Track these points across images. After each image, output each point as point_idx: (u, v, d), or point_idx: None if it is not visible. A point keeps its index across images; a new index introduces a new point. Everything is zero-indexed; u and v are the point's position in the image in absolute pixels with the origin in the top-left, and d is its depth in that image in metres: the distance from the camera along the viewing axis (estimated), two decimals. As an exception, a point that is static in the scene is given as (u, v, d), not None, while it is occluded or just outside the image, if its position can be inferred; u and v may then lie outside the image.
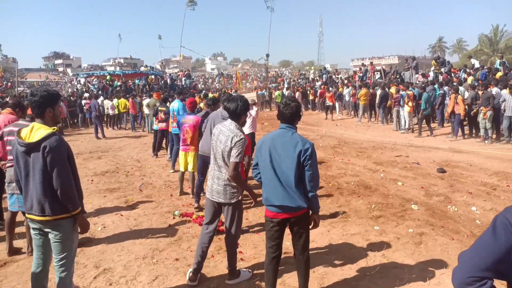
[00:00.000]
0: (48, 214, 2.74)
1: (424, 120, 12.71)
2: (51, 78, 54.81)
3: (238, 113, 3.54)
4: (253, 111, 7.95)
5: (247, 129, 7.82)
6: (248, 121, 7.60)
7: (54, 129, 2.79)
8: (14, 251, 4.34)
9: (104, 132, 14.50)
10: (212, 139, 3.64)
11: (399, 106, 13.67)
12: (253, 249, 4.41)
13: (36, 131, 2.74)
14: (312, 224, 3.14)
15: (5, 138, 4.23)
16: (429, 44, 66.94)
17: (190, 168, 6.28)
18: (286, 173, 2.98)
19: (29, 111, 4.28)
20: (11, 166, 4.04)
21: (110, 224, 5.30)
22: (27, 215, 2.88)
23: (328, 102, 18.50)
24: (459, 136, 11.70)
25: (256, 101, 8.23)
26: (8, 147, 4.18)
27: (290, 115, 3.09)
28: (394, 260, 4.08)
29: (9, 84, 27.92)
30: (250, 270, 3.89)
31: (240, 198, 3.64)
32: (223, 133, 3.50)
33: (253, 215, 5.54)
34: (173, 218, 5.49)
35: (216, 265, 4.06)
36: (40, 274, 2.97)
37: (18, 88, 25.69)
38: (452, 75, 17.64)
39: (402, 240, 4.58)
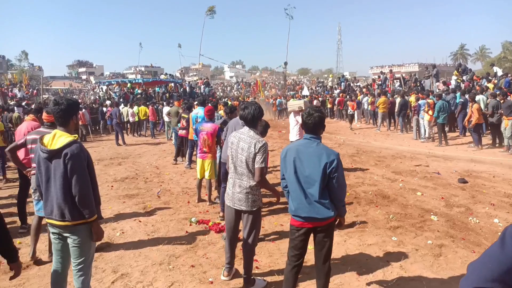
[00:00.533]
0: (67, 219, 2.82)
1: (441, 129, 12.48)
2: (74, 85, 56.42)
3: (254, 119, 3.61)
4: (300, 118, 7.99)
5: (294, 136, 7.90)
6: (296, 128, 7.71)
7: (75, 136, 2.88)
8: (36, 259, 4.40)
9: (124, 139, 14.78)
10: (230, 147, 3.68)
11: (417, 115, 13.46)
12: (268, 258, 4.41)
13: (58, 138, 2.83)
14: (336, 224, 3.20)
15: (28, 146, 4.31)
16: (450, 52, 65.79)
17: (207, 175, 6.33)
18: (311, 185, 2.98)
19: (45, 118, 4.37)
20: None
21: (129, 229, 5.39)
22: (47, 220, 2.96)
23: (351, 111, 18.36)
24: (481, 145, 11.41)
25: (303, 108, 8.24)
26: (32, 155, 4.26)
27: (313, 126, 3.09)
28: (412, 272, 4.00)
29: (35, 91, 28.83)
30: (265, 279, 3.88)
31: (260, 205, 3.70)
32: (244, 140, 3.54)
33: (269, 223, 5.54)
34: (190, 225, 5.54)
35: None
36: (59, 278, 3.06)
37: (43, 96, 26.52)
38: (474, 83, 17.25)
39: (420, 251, 4.49)
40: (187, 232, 5.27)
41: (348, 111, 18.69)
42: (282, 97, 26.80)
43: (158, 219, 5.83)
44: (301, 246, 3.17)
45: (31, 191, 4.41)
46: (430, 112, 12.69)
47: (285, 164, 3.15)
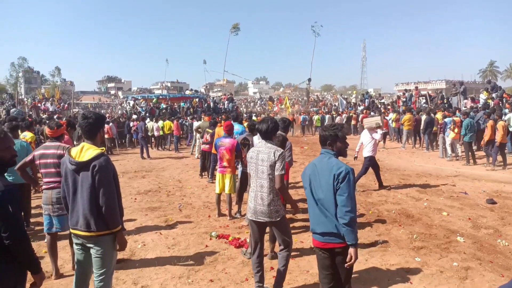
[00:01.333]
0: (93, 230, 2.89)
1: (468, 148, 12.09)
2: (103, 100, 58.26)
3: (268, 132, 3.75)
4: (377, 135, 8.04)
5: (367, 152, 7.92)
6: (370, 144, 7.77)
7: (102, 149, 2.98)
8: (60, 275, 4.33)
9: (149, 153, 15.09)
10: (250, 162, 3.77)
11: (444, 132, 13.15)
12: (288, 274, 4.33)
13: (86, 151, 2.93)
14: (347, 259, 2.88)
15: (37, 162, 4.22)
16: (479, 69, 64.15)
17: (226, 190, 6.40)
18: (324, 199, 2.94)
19: (48, 133, 4.35)
20: (47, 188, 4.16)
21: (150, 242, 5.47)
22: (71, 231, 3.04)
23: (384, 129, 18.09)
24: (497, 163, 10.97)
25: (380, 124, 8.31)
26: (42, 170, 4.21)
27: (323, 139, 3.11)
28: (436, 294, 3.87)
29: (66, 105, 29.96)
30: None
31: (284, 214, 3.76)
32: (263, 152, 3.67)
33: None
34: (210, 239, 5.57)
35: (250, 289, 4.05)
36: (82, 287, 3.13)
37: (73, 110, 27.51)
38: (504, 100, 16.76)
39: (445, 274, 4.34)
40: (207, 246, 5.30)
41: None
42: (305, 113, 26.72)
43: (179, 232, 5.89)
44: (329, 265, 3.02)
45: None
46: (456, 130, 12.36)
47: (303, 180, 3.17)
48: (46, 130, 4.42)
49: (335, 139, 3.07)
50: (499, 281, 4.13)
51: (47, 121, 5.22)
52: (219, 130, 8.85)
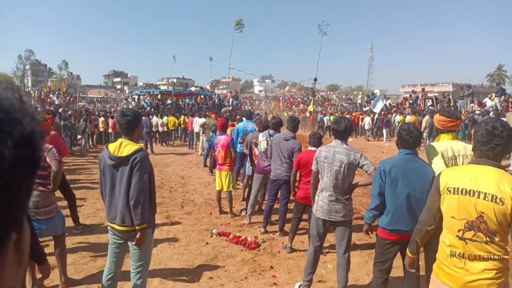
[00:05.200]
0: (127, 225, 2.95)
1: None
2: (109, 94, 58.49)
3: (346, 133, 3.79)
4: None
5: None
6: None
7: (141, 145, 3.03)
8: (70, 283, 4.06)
9: (153, 148, 15.13)
10: (324, 161, 3.75)
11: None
12: (287, 274, 4.36)
13: (124, 146, 2.97)
14: None
15: None
16: (487, 73, 63.57)
17: (225, 188, 6.38)
18: (419, 199, 3.02)
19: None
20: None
21: (151, 237, 5.48)
22: (109, 224, 3.09)
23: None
24: None
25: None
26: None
27: (413, 142, 3.19)
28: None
29: (72, 99, 30.10)
30: None
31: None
32: (340, 153, 3.69)
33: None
34: (211, 236, 5.58)
35: None
36: (111, 281, 3.19)
37: (79, 103, 27.66)
38: (509, 104, 16.66)
39: (446, 278, 4.31)
40: (207, 243, 5.31)
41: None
42: (321, 113, 25.50)
43: (180, 228, 5.91)
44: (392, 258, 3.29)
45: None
46: None
47: (391, 179, 3.13)
48: None
49: (419, 141, 3.25)
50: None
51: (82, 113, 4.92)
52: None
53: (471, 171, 2.17)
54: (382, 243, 3.27)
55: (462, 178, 2.16)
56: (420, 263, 4.64)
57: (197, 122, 15.04)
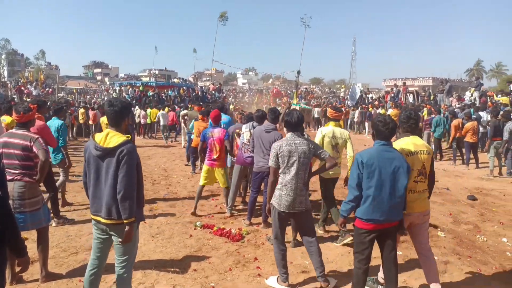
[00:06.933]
0: (113, 218, 2.86)
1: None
2: (89, 86, 57.16)
3: (299, 124, 3.90)
4: None
5: None
6: None
7: (128, 137, 2.94)
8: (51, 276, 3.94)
9: (135, 141, 14.92)
10: (290, 155, 3.74)
11: (429, 129, 13.33)
12: (271, 266, 4.38)
13: (111, 137, 2.88)
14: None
15: (0, 151, 3.73)
16: (466, 68, 64.92)
17: (223, 184, 6.16)
18: (399, 188, 3.23)
19: (15, 118, 3.90)
20: (9, 180, 3.59)
21: (134, 230, 5.42)
22: (93, 217, 2.99)
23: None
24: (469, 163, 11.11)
25: None
26: (5, 160, 3.66)
27: (393, 133, 3.34)
28: (416, 287, 3.94)
29: (50, 90, 29.29)
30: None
31: None
32: (302, 144, 3.78)
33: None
34: (195, 229, 5.56)
35: (234, 279, 4.06)
36: (94, 276, 3.12)
37: (58, 94, 26.96)
38: (488, 99, 17.08)
39: (425, 267, 4.42)
40: (191, 235, 5.29)
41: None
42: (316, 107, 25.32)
43: (163, 221, 5.86)
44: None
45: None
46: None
47: (368, 170, 3.20)
48: (14, 115, 3.95)
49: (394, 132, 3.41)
50: (477, 276, 4.24)
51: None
52: (200, 123, 8.67)
53: (409, 141, 3.53)
54: (359, 233, 3.33)
55: (410, 146, 3.48)
56: (399, 252, 4.76)
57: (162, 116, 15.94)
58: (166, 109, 17.77)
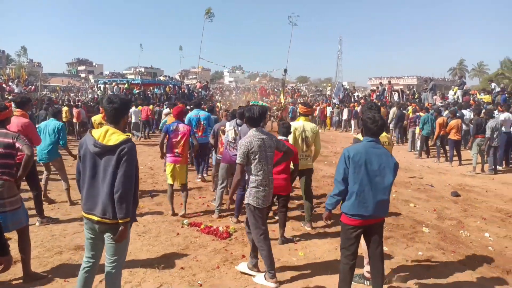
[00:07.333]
0: (108, 217, 2.79)
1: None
2: (73, 83, 56.15)
3: (260, 118, 3.96)
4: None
5: None
6: None
7: (128, 135, 2.88)
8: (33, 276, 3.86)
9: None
10: (258, 151, 3.79)
11: (414, 127, 13.53)
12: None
13: (111, 135, 2.81)
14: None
15: None
16: (450, 67, 65.93)
17: (182, 180, 6.04)
18: (384, 184, 3.25)
19: None
20: None
21: (120, 229, 5.35)
22: (86, 215, 2.90)
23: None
24: (452, 160, 11.31)
25: None
26: None
27: (381, 129, 3.38)
28: (401, 283, 4.00)
29: (33, 87, 28.70)
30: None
31: None
32: (268, 139, 3.89)
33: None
34: (182, 227, 5.52)
35: (222, 277, 4.05)
36: (88, 274, 3.05)
37: (41, 92, 26.42)
38: (471, 97, 17.42)
39: (411, 262, 4.50)
40: (178, 234, 5.25)
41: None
42: (294, 105, 25.70)
43: (150, 219, 5.81)
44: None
45: None
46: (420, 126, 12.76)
47: (355, 165, 3.22)
48: None
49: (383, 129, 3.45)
50: (460, 270, 4.32)
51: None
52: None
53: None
54: (346, 229, 3.36)
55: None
56: (385, 248, 4.82)
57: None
58: (139, 107, 17.49)
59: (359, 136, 3.75)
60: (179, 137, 5.93)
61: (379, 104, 19.43)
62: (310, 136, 5.55)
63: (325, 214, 3.50)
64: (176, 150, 5.93)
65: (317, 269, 4.23)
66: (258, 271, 4.03)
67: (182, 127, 6.01)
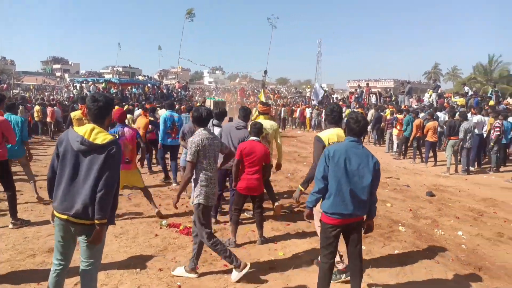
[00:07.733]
0: (85, 218, 2.71)
1: (409, 144, 12.84)
2: (48, 82, 54.60)
3: (207, 118, 4.05)
4: None
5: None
6: None
7: (115, 136, 2.84)
8: None
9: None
10: (208, 150, 3.87)
11: (392, 128, 13.81)
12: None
13: (97, 133, 2.73)
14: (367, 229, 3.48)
15: None
16: (425, 71, 67.64)
17: (140, 184, 5.94)
18: (362, 183, 3.26)
19: None
20: None
21: (96, 231, 5.23)
22: (60, 216, 2.77)
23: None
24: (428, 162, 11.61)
25: None
26: None
27: (364, 130, 3.42)
28: (378, 280, 4.07)
29: (5, 86, 27.77)
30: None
31: None
32: (214, 139, 4.01)
33: (243, 229, 5.50)
34: (160, 228, 5.45)
35: (201, 278, 4.01)
36: (58, 278, 2.94)
37: (14, 91, 25.60)
38: (445, 100, 17.93)
39: (387, 260, 4.58)
40: (156, 235, 5.18)
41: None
42: (284, 105, 25.74)
43: (128, 221, 5.70)
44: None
45: None
46: (399, 127, 13.01)
47: (335, 163, 3.25)
48: None
49: (365, 129, 3.52)
50: (435, 267, 4.44)
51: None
52: (141, 120, 8.56)
53: (334, 132, 4.00)
54: (325, 228, 3.39)
55: (334, 136, 3.95)
56: (363, 247, 4.89)
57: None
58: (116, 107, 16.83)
59: (320, 134, 4.02)
60: (127, 141, 5.67)
61: (344, 106, 19.93)
62: (270, 133, 5.88)
63: (306, 212, 3.52)
64: (126, 156, 5.64)
65: (297, 268, 4.25)
66: (196, 273, 4.00)
67: (127, 131, 5.74)
